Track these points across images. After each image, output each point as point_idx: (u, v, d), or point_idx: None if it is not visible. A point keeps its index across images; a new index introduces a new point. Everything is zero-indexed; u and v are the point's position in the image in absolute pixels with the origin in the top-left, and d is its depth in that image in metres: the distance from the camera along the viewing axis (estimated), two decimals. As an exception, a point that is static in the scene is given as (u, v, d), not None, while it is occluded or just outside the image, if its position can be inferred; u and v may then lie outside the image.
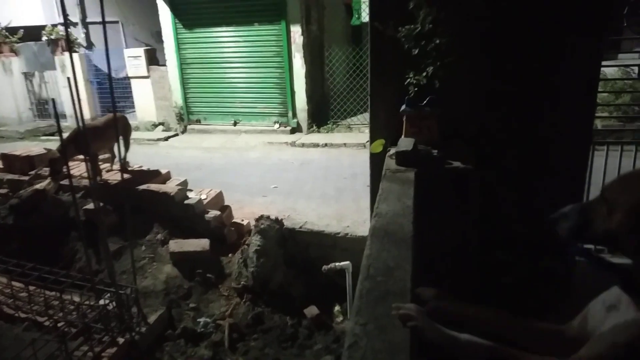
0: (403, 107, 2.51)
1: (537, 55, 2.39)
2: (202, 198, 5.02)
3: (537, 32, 2.38)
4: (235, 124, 9.78)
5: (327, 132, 9.05)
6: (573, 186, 2.55)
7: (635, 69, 6.91)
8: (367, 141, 8.71)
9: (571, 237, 1.29)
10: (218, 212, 4.91)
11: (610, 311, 1.14)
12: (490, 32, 2.41)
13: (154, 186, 5.12)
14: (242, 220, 5.11)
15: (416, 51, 2.41)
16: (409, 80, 2.49)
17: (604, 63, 2.51)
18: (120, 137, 4.67)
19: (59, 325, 3.70)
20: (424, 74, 2.42)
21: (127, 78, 10.77)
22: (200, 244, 4.56)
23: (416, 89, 2.49)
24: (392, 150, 2.50)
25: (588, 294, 2.76)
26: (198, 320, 4.07)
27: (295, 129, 9.20)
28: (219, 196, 5.27)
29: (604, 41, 2.50)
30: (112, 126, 5.18)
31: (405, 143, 2.41)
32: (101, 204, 4.13)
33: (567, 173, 2.54)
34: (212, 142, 9.13)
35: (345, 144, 8.26)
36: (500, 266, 2.44)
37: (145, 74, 10.49)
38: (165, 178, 5.53)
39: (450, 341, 1.19)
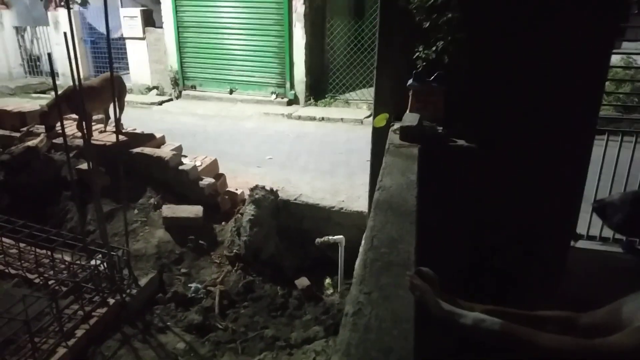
0: (410, 81, 2.47)
1: (551, 37, 2.35)
2: (197, 165, 4.97)
3: (552, 14, 2.33)
4: (231, 92, 9.65)
5: (325, 105, 8.97)
6: (573, 173, 2.56)
7: (638, 58, 6.89)
8: (365, 117, 8.69)
9: (622, 230, 1.24)
10: (212, 180, 4.87)
11: None
12: (504, 9, 2.37)
13: (148, 150, 5.06)
14: (236, 190, 5.09)
15: (427, 24, 2.36)
16: (417, 54, 2.45)
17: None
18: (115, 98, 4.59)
19: (50, 283, 3.70)
20: (434, 48, 2.38)
21: (122, 38, 10.52)
22: (194, 210, 4.54)
23: (424, 63, 2.45)
24: (396, 125, 2.48)
25: (581, 280, 2.81)
26: (189, 285, 4.08)
27: (292, 101, 9.10)
28: (214, 164, 5.23)
29: (615, 27, 2.47)
30: (107, 86, 5.08)
31: (410, 118, 2.39)
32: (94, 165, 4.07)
33: (569, 160, 2.54)
34: (207, 109, 9.01)
35: (342, 119, 8.21)
36: (492, 248, 2.46)
37: (141, 35, 10.25)
38: (159, 142, 5.46)
39: (457, 318, 1.19)
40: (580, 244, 3.88)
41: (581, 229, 3.89)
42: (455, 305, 1.26)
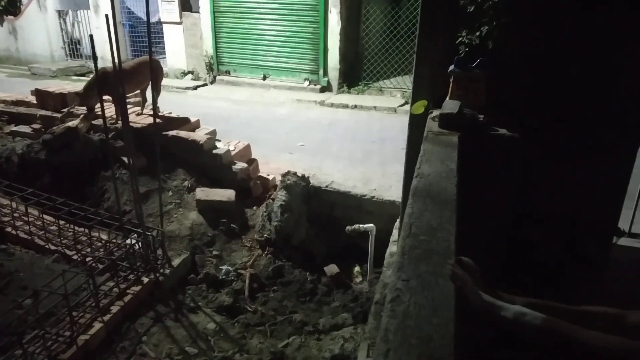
0: (452, 67, 2.40)
1: (604, 24, 2.23)
2: (230, 149, 5.02)
3: (606, 8, 2.21)
4: (264, 78, 9.67)
5: (358, 93, 8.89)
6: (618, 168, 2.43)
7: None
8: (399, 105, 8.55)
9: None
10: (245, 165, 4.91)
11: None
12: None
13: (183, 133, 5.13)
14: (268, 175, 5.11)
15: (472, 8, 2.28)
16: (460, 39, 2.37)
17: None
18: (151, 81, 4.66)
19: (87, 260, 3.82)
20: (478, 33, 2.30)
21: (159, 23, 10.67)
22: (226, 194, 4.59)
23: (467, 49, 2.37)
24: (435, 112, 2.42)
25: (623, 279, 2.69)
26: (220, 267, 4.14)
27: (325, 88, 9.05)
28: (247, 149, 5.26)
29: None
30: (141, 70, 5.16)
31: (451, 105, 2.32)
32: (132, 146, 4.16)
33: (615, 154, 2.42)
34: (240, 94, 9.07)
35: (375, 107, 8.11)
36: (532, 242, 2.38)
37: (178, 19, 10.37)
38: (194, 126, 5.53)
39: (498, 311, 1.14)
40: (623, 241, 3.73)
41: (624, 225, 3.74)
42: (496, 298, 1.22)
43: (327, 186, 4.56)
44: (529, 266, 2.38)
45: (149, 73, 4.05)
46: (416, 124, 2.67)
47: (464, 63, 2.37)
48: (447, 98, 2.44)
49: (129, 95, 5.78)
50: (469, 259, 1.27)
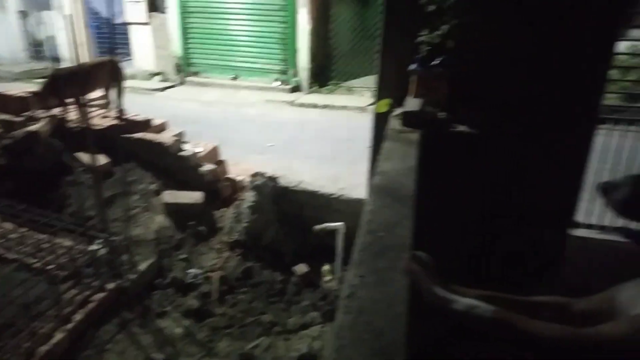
0: (413, 66, 2.42)
1: (557, 23, 2.30)
2: (198, 151, 4.95)
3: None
4: (234, 78, 9.59)
5: (328, 93, 8.91)
6: (574, 161, 2.51)
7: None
8: (368, 105, 8.63)
9: (621, 211, 1.22)
10: (213, 166, 4.86)
11: None
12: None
13: (149, 135, 5.04)
14: (237, 176, 5.07)
15: (433, 7, 2.30)
16: (421, 38, 2.39)
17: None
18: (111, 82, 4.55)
19: (49, 267, 3.70)
20: (438, 32, 2.32)
21: (126, 24, 10.45)
22: (194, 196, 4.53)
23: (428, 48, 2.39)
24: (398, 111, 2.44)
25: (580, 268, 2.78)
26: (188, 271, 4.08)
27: (296, 88, 9.04)
28: (215, 150, 5.20)
29: (622, 13, 2.41)
30: (98, 71, 5.05)
31: (413, 103, 2.34)
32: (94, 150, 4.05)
33: (571, 148, 2.49)
34: (210, 95, 8.97)
35: (345, 106, 8.15)
36: (495, 235, 2.42)
37: (145, 20, 10.17)
38: (161, 128, 5.44)
39: (449, 304, 1.15)
40: (581, 232, 3.86)
41: (583, 217, 3.87)
42: (450, 291, 1.23)
43: (296, 186, 4.54)
44: (492, 258, 2.43)
45: (108, 74, 3.95)
46: (380, 123, 2.68)
47: (425, 62, 2.39)
48: (410, 96, 2.46)
49: (94, 97, 5.66)
50: (423, 253, 1.28)
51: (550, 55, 2.35)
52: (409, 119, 2.26)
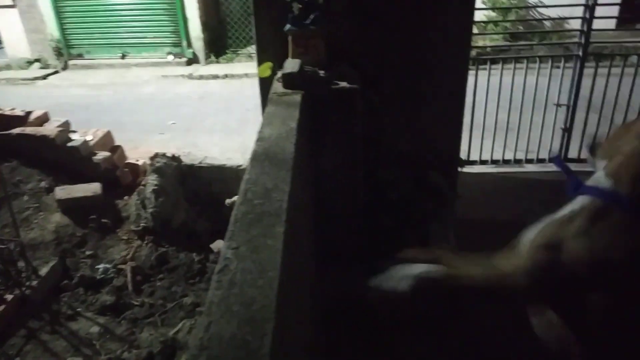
0: (287, 26, 2.38)
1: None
2: (88, 139, 4.61)
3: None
4: (123, 57, 8.96)
5: (227, 62, 8.63)
6: (451, 104, 2.65)
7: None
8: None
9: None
10: (108, 154, 4.56)
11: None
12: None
13: (30, 129, 4.59)
14: (137, 160, 4.81)
15: (298, -37, 2.25)
16: (292, -4, 2.35)
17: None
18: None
19: None
20: (307, -11, 2.29)
21: (-14, 7, 9.27)
22: (91, 188, 4.24)
23: (300, 5, 2.35)
24: (280, 74, 2.40)
25: (470, 203, 2.99)
26: (97, 267, 3.87)
27: (192, 60, 8.65)
28: (108, 136, 4.87)
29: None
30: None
31: (291, 64, 2.31)
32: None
33: (448, 92, 2.62)
34: (99, 78, 8.33)
35: (246, 74, 7.95)
36: (387, 184, 2.52)
37: (10, 2, 9.08)
38: (43, 120, 4.96)
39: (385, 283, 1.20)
40: (477, 168, 4.16)
41: (478, 155, 4.17)
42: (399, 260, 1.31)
43: (200, 162, 4.41)
44: (387, 206, 2.54)
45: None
46: (267, 88, 2.63)
47: (299, 21, 2.36)
48: (289, 57, 2.43)
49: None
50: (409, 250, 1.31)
51: (410, 7, 2.42)
52: (288, 81, 2.23)
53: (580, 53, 3.88)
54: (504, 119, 4.12)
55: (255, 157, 1.64)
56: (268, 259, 1.11)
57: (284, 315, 1.07)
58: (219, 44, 8.70)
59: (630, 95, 3.97)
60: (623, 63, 4.11)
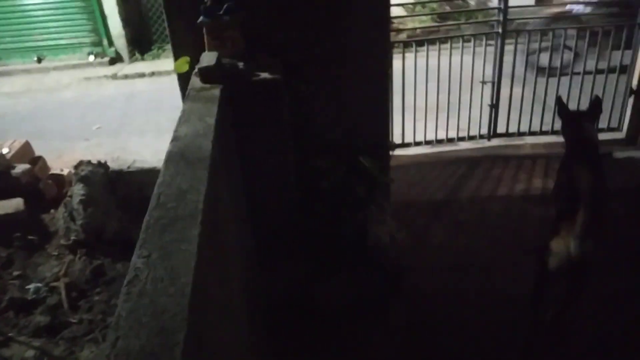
0: (201, 18, 2.30)
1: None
2: (4, 152, 4.30)
3: None
4: (39, 60, 8.37)
5: (153, 59, 8.29)
6: (377, 89, 2.66)
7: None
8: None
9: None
10: (28, 166, 4.27)
11: None
12: None
13: None
14: (62, 170, 4.55)
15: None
16: (202, -14, 2.26)
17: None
18: None
19: None
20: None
21: None
22: (12, 204, 3.97)
23: (211, -4, 2.27)
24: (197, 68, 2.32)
25: (405, 184, 3.04)
26: (27, 287, 3.63)
27: (115, 60, 8.23)
28: (27, 146, 4.57)
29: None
30: None
31: (208, 58, 2.24)
32: None
33: (370, 77, 2.62)
34: (13, 85, 7.75)
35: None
36: (320, 172, 2.51)
37: None
38: (-51, 136, 4.57)
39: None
40: (412, 150, 4.25)
41: (412, 137, 4.25)
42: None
43: (129, 167, 4.23)
44: (322, 194, 2.53)
45: None
46: (185, 84, 2.54)
47: (212, 11, 2.28)
48: (205, 51, 2.35)
49: None
50: None
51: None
52: (206, 75, 2.16)
53: (500, 30, 4.03)
54: (434, 100, 4.21)
55: (170, 158, 1.58)
56: (181, 265, 1.06)
57: (202, 321, 1.03)
58: (143, 41, 8.31)
59: (548, 67, 4.20)
60: (539, 38, 4.32)
